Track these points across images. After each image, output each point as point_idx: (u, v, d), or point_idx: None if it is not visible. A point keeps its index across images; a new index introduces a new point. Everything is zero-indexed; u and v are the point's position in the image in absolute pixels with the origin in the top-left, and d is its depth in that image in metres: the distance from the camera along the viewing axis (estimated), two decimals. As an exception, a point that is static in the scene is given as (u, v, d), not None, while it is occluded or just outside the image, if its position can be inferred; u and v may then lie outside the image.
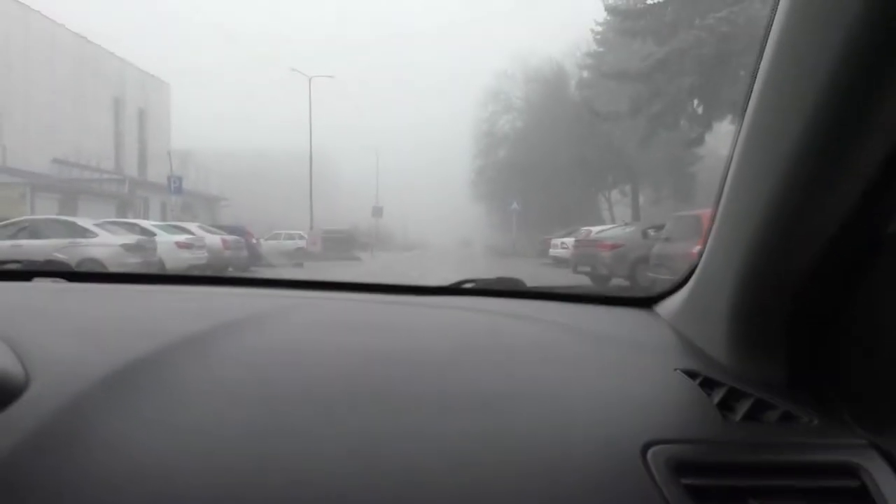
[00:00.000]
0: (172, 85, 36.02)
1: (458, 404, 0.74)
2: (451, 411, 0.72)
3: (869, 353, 0.73)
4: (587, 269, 12.34)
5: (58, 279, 1.36)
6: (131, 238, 11.82)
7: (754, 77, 0.71)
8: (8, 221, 12.14)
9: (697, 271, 0.96)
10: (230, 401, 0.71)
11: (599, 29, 27.95)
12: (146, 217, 23.41)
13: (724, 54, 16.59)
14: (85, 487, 0.56)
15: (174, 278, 1.61)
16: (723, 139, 18.26)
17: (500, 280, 1.50)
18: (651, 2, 20.90)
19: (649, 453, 0.64)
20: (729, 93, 16.74)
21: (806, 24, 0.62)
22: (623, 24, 22.03)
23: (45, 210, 19.41)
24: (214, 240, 14.75)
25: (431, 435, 0.67)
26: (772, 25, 0.66)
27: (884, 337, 0.71)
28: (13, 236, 11.18)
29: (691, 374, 0.83)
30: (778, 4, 0.65)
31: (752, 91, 0.71)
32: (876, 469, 0.65)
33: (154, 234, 13.06)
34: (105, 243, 11.05)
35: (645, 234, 11.50)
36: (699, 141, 20.60)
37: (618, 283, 11.11)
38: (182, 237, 13.61)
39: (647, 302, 1.22)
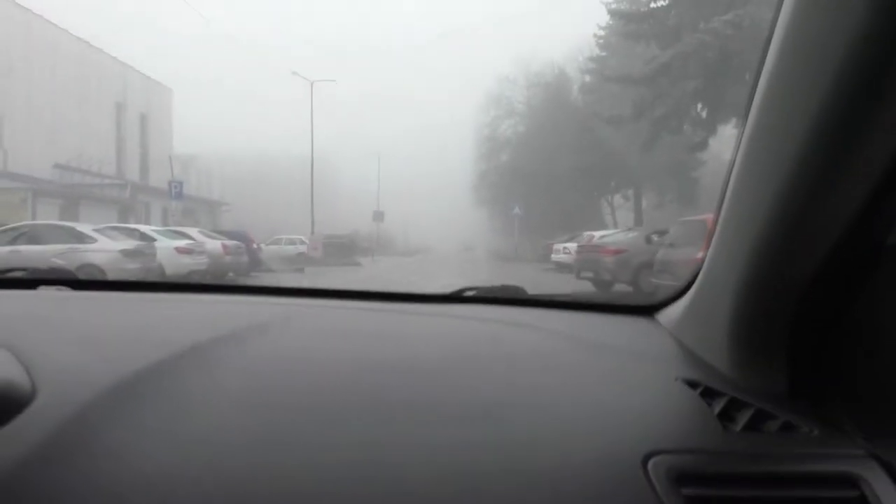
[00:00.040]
0: (175, 90, 36.16)
1: (459, 413, 0.75)
2: (451, 421, 0.73)
3: (871, 362, 0.73)
4: (590, 274, 12.28)
5: (62, 287, 1.36)
6: (131, 243, 11.77)
7: (757, 80, 0.70)
8: (7, 227, 12.08)
9: (699, 278, 0.96)
10: (233, 410, 0.72)
11: (602, 33, 27.95)
12: (147, 222, 23.37)
13: (728, 58, 16.50)
14: (90, 497, 0.57)
15: (178, 286, 1.62)
16: (727, 143, 18.14)
17: (501, 288, 1.50)
18: (654, 5, 20.81)
19: (650, 464, 0.65)
20: (733, 96, 16.64)
21: (810, 27, 0.61)
22: (626, 27, 21.95)
23: (47, 215, 19.38)
24: (215, 245, 14.69)
25: (433, 444, 0.68)
26: (775, 28, 0.65)
27: (886, 344, 0.71)
28: (12, 242, 11.15)
29: (692, 384, 0.84)
30: (782, 6, 0.64)
31: (755, 94, 0.71)
32: (876, 479, 0.65)
33: (154, 240, 13.00)
34: (104, 249, 11.00)
35: (648, 240, 11.42)
36: (703, 145, 20.48)
37: (621, 289, 11.04)
38: (182, 242, 13.55)
39: (648, 310, 1.22)
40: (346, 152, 48.41)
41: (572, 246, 17.28)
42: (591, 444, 0.70)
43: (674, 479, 0.63)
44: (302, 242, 25.43)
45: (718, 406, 0.77)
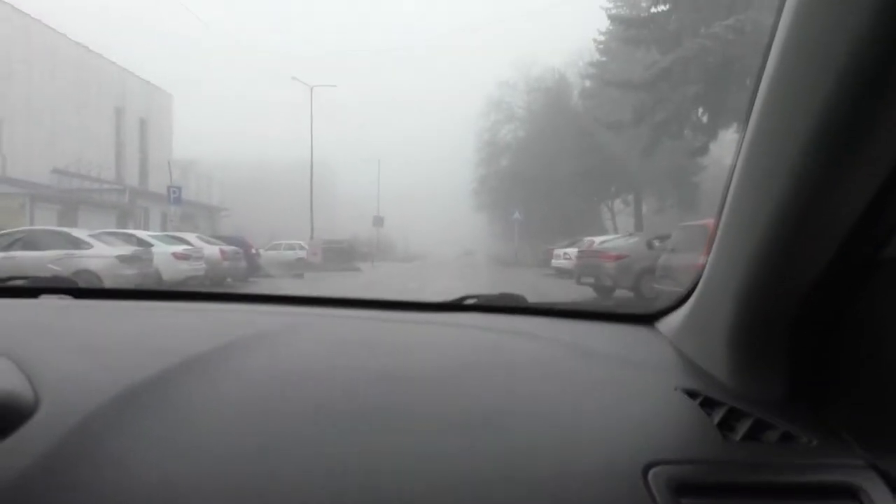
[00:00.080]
0: (174, 94, 36.14)
1: (460, 422, 0.75)
2: (452, 429, 0.73)
3: (870, 370, 0.73)
4: (591, 280, 12.19)
5: (64, 296, 1.36)
6: (127, 249, 11.70)
7: (758, 85, 0.69)
8: (2, 233, 12.00)
9: (700, 286, 0.96)
10: (236, 420, 0.72)
11: (602, 38, 27.98)
12: (146, 227, 23.34)
13: (729, 62, 16.43)
14: None
15: (181, 295, 1.63)
16: (727, 148, 18.09)
17: (501, 296, 1.51)
18: (655, 10, 20.75)
19: (650, 474, 0.65)
20: (734, 101, 16.57)
21: (812, 31, 0.61)
22: (626, 32, 21.92)
23: (45, 220, 19.31)
24: (213, 250, 14.62)
25: (433, 453, 0.68)
26: (776, 31, 0.65)
27: (885, 353, 0.71)
28: (8, 248, 11.08)
29: (692, 394, 0.84)
30: (783, 10, 0.63)
31: (756, 99, 0.70)
32: (874, 490, 0.65)
33: (151, 245, 12.93)
34: (100, 255, 10.94)
35: (650, 245, 11.35)
36: (703, 150, 20.42)
37: (622, 295, 10.96)
38: (179, 248, 13.48)
39: (648, 318, 1.22)
40: (346, 157, 48.33)
41: (573, 251, 17.24)
42: (592, 453, 0.70)
43: (674, 490, 0.63)
44: (301, 248, 25.32)
45: (718, 416, 0.78)
